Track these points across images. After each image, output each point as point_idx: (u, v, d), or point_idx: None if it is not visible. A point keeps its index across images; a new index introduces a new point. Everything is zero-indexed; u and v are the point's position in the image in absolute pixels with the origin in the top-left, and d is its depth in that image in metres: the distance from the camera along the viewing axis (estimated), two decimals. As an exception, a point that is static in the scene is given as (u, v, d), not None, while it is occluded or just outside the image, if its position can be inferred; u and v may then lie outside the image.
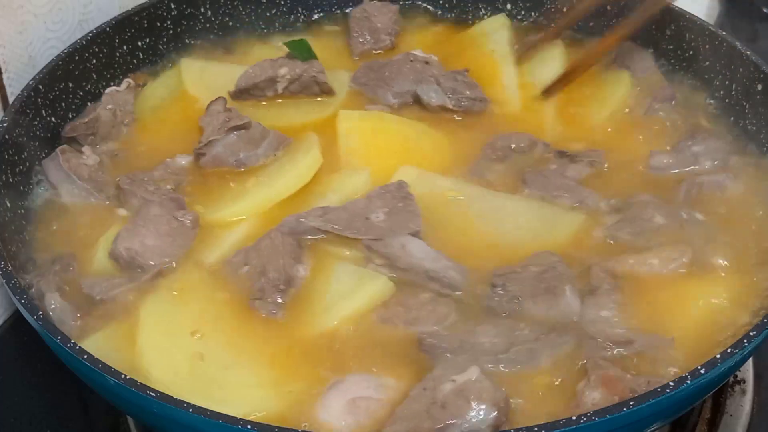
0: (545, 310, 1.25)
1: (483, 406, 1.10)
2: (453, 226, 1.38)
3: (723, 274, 1.33)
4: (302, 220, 1.33)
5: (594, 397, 1.13)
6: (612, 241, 1.38)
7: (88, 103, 1.62)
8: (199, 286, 1.30)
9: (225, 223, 1.41)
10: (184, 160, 1.51)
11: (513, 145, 1.52)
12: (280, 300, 1.27)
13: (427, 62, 1.71)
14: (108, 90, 1.61)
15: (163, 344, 1.22)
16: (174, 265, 1.33)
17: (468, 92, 1.62)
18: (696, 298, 1.29)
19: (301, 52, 1.66)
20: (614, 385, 1.14)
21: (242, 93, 1.63)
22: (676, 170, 1.51)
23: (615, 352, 1.21)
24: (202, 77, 1.70)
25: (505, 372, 1.18)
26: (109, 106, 1.57)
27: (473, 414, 1.09)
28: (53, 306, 1.26)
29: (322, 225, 1.32)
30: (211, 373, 1.19)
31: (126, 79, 1.64)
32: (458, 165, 1.52)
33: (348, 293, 1.27)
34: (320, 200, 1.42)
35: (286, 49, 1.70)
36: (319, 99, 1.65)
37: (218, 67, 1.73)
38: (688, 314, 1.27)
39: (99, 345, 1.15)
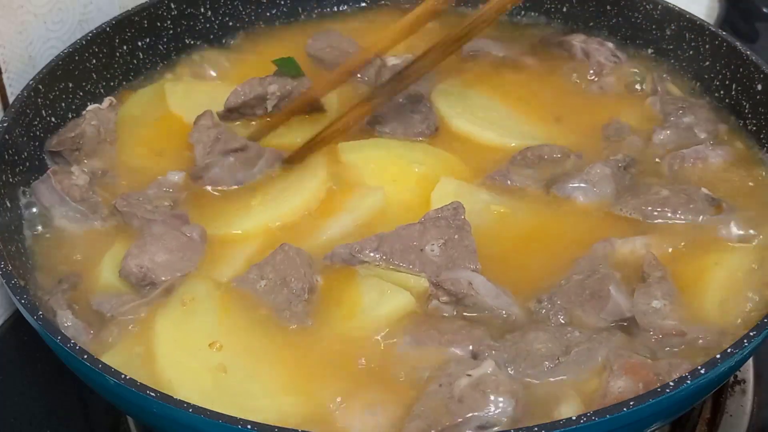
0: (595, 315, 1.25)
1: (501, 399, 1.10)
2: (500, 242, 1.37)
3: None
4: (357, 255, 1.30)
5: (619, 386, 1.14)
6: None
7: (88, 103, 1.63)
8: (210, 299, 1.30)
9: (230, 239, 1.40)
10: (176, 177, 1.49)
11: (545, 156, 1.51)
12: (307, 308, 1.26)
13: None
14: (90, 107, 1.59)
15: (183, 359, 1.21)
16: (185, 280, 1.32)
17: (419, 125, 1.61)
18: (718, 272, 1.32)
19: (290, 69, 1.64)
20: (637, 371, 1.15)
21: (231, 112, 1.60)
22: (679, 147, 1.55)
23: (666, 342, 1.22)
24: (186, 98, 1.67)
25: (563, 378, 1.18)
26: (93, 122, 1.55)
27: (492, 407, 1.09)
28: (67, 324, 1.25)
29: (377, 261, 1.30)
30: (236, 384, 1.18)
31: (108, 98, 1.62)
32: (478, 176, 1.50)
33: (372, 304, 1.27)
34: (334, 222, 1.41)
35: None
36: (308, 116, 1.63)
37: (203, 87, 1.72)
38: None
39: (114, 362, 1.14)
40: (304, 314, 1.26)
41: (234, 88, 1.60)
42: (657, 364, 1.16)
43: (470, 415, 1.09)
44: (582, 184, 1.45)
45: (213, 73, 1.77)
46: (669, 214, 1.40)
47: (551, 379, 1.17)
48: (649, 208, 1.41)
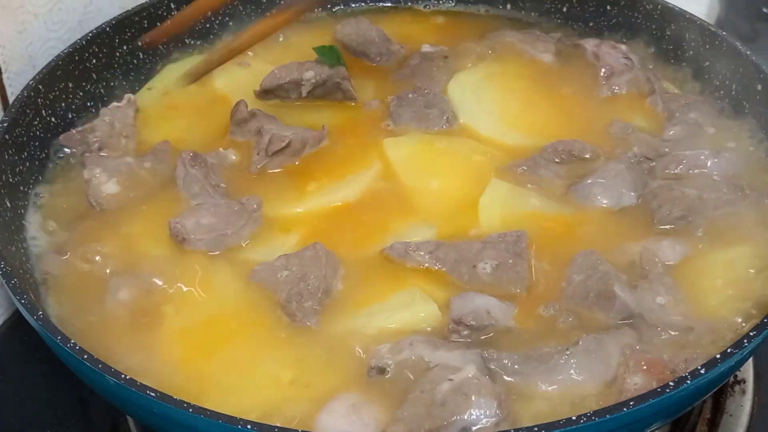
0: (604, 315, 1.25)
1: (483, 400, 1.10)
2: (550, 247, 1.38)
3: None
4: (411, 252, 1.33)
5: (636, 382, 1.14)
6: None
7: (88, 103, 1.63)
8: (229, 284, 1.32)
9: (283, 220, 1.42)
10: (232, 157, 1.54)
11: (575, 152, 1.51)
12: (316, 307, 1.27)
13: (446, 57, 1.74)
14: (110, 105, 1.60)
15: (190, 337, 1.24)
16: (227, 238, 1.36)
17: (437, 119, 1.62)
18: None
19: (330, 58, 1.67)
20: (654, 367, 1.15)
21: (267, 93, 1.65)
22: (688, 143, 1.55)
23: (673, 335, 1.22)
24: (231, 75, 1.72)
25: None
26: (107, 118, 1.56)
27: (474, 409, 1.09)
28: None
29: (429, 263, 1.33)
30: (232, 373, 1.20)
31: (127, 95, 1.63)
32: (512, 168, 1.51)
33: (392, 311, 1.28)
34: (381, 234, 1.41)
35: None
36: (341, 104, 1.66)
37: (250, 65, 1.75)
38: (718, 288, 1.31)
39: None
40: (311, 311, 1.26)
41: (272, 70, 1.63)
42: (673, 360, 1.17)
43: (453, 418, 1.09)
44: (599, 181, 1.46)
45: (250, 53, 1.78)
46: (713, 213, 1.40)
47: (561, 376, 1.17)
48: (699, 216, 1.40)
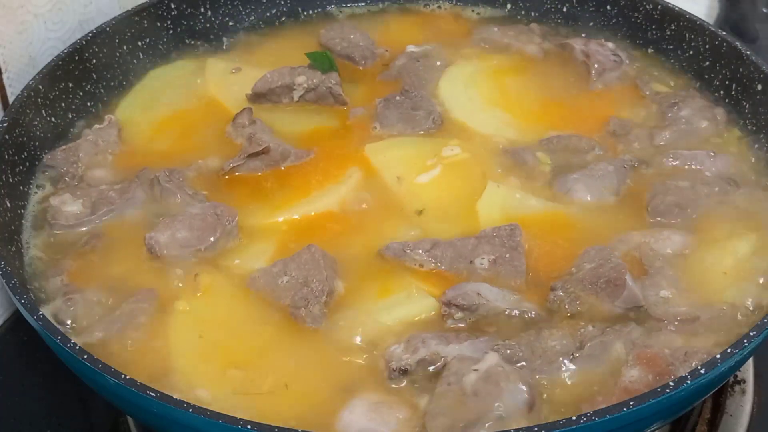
0: (610, 303, 1.26)
1: (514, 387, 1.11)
2: (550, 247, 1.38)
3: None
4: (408, 251, 1.34)
5: (632, 375, 1.15)
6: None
7: (88, 103, 1.63)
8: (226, 292, 1.31)
9: (260, 228, 1.41)
10: (214, 163, 1.53)
11: (571, 146, 1.53)
12: (323, 310, 1.27)
13: (427, 55, 1.74)
14: (92, 127, 1.59)
15: (195, 350, 1.23)
16: (201, 252, 1.35)
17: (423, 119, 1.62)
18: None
19: (323, 63, 1.68)
20: (652, 361, 1.16)
21: (258, 97, 1.65)
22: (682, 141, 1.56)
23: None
24: (224, 78, 1.72)
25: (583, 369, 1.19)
26: (90, 137, 1.55)
27: (508, 396, 1.10)
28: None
29: (426, 261, 1.33)
30: (249, 383, 1.19)
31: (108, 116, 1.62)
32: (505, 161, 1.52)
33: (391, 307, 1.28)
34: (369, 239, 1.40)
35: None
36: (332, 108, 1.66)
37: (243, 68, 1.75)
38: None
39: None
40: (320, 315, 1.26)
41: (264, 74, 1.64)
42: (673, 354, 1.17)
43: (490, 406, 1.09)
44: (582, 179, 1.46)
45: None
46: (706, 201, 1.41)
47: (566, 375, 1.18)
48: (693, 204, 1.41)
